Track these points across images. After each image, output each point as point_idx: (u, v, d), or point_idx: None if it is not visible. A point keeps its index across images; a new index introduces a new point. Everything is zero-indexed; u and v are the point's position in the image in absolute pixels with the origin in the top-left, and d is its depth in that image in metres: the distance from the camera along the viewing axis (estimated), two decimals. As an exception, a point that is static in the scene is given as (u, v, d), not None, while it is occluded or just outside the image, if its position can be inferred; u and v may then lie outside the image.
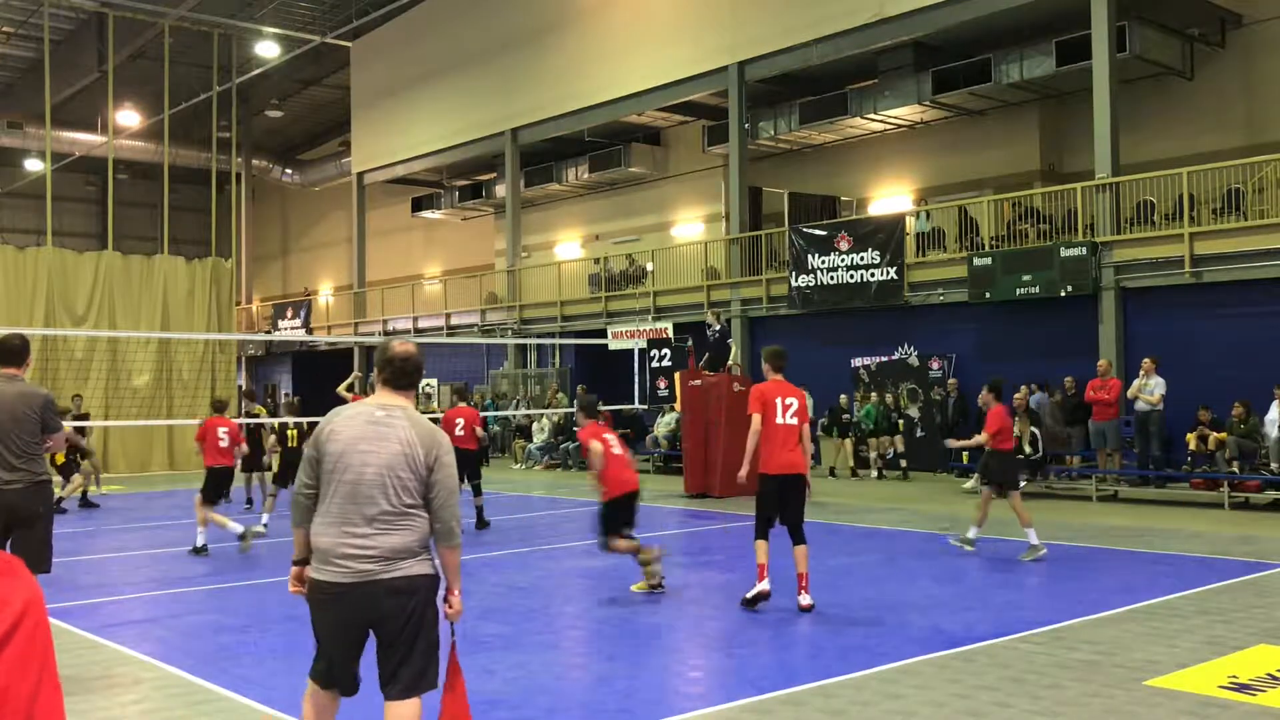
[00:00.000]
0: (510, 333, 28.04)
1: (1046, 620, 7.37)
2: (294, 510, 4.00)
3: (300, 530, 3.98)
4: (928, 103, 21.65)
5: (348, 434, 3.85)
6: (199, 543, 10.91)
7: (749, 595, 7.96)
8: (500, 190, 30.82)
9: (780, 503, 7.92)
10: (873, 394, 20.09)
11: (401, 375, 4.00)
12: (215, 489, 11.23)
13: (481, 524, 12.66)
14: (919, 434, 20.02)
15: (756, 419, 7.88)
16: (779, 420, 7.87)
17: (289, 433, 13.28)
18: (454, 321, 30.82)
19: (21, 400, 6.16)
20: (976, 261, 18.76)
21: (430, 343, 28.52)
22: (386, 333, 31.94)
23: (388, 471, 3.80)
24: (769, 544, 8.03)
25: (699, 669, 6.67)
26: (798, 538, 7.93)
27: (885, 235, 20.37)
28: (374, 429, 3.85)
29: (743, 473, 7.89)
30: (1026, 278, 18.02)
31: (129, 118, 36.22)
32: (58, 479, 12.05)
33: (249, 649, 6.98)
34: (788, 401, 7.94)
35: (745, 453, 7.92)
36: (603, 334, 24.84)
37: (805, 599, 7.82)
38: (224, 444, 11.28)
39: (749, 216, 23.79)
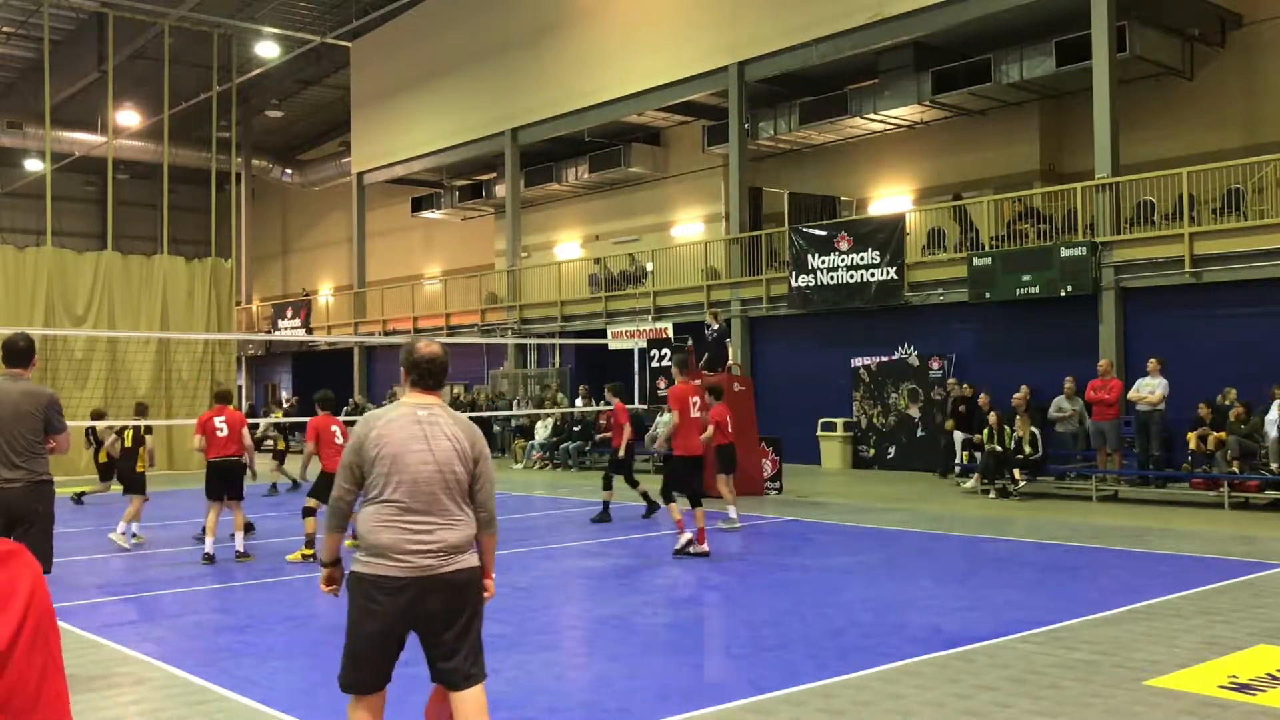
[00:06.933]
0: (510, 333, 28.04)
1: (1046, 620, 7.37)
2: (331, 515, 4.12)
3: (334, 535, 4.15)
4: (928, 103, 21.64)
5: (398, 436, 3.95)
6: (206, 549, 10.71)
7: None
8: (500, 190, 30.81)
9: None
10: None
11: (430, 376, 4.11)
12: (211, 483, 11.08)
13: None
14: (919, 434, 20.02)
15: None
16: None
17: (124, 434, 12.63)
18: (453, 322, 30.82)
19: (26, 399, 6.16)
20: (976, 261, 18.76)
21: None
22: (386, 332, 31.96)
23: (445, 469, 3.95)
24: None
25: (699, 669, 6.67)
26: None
27: (885, 235, 20.37)
28: (421, 429, 3.97)
29: None
30: (1026, 278, 18.02)
31: (129, 118, 36.22)
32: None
33: (249, 649, 6.97)
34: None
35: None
36: (603, 334, 24.83)
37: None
38: (222, 434, 11.11)
39: (749, 216, 23.79)
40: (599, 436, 21.97)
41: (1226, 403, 14.95)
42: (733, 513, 12.70)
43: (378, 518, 3.92)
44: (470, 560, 3.99)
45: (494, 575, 4.18)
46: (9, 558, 1.34)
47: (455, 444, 3.98)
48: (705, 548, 10.62)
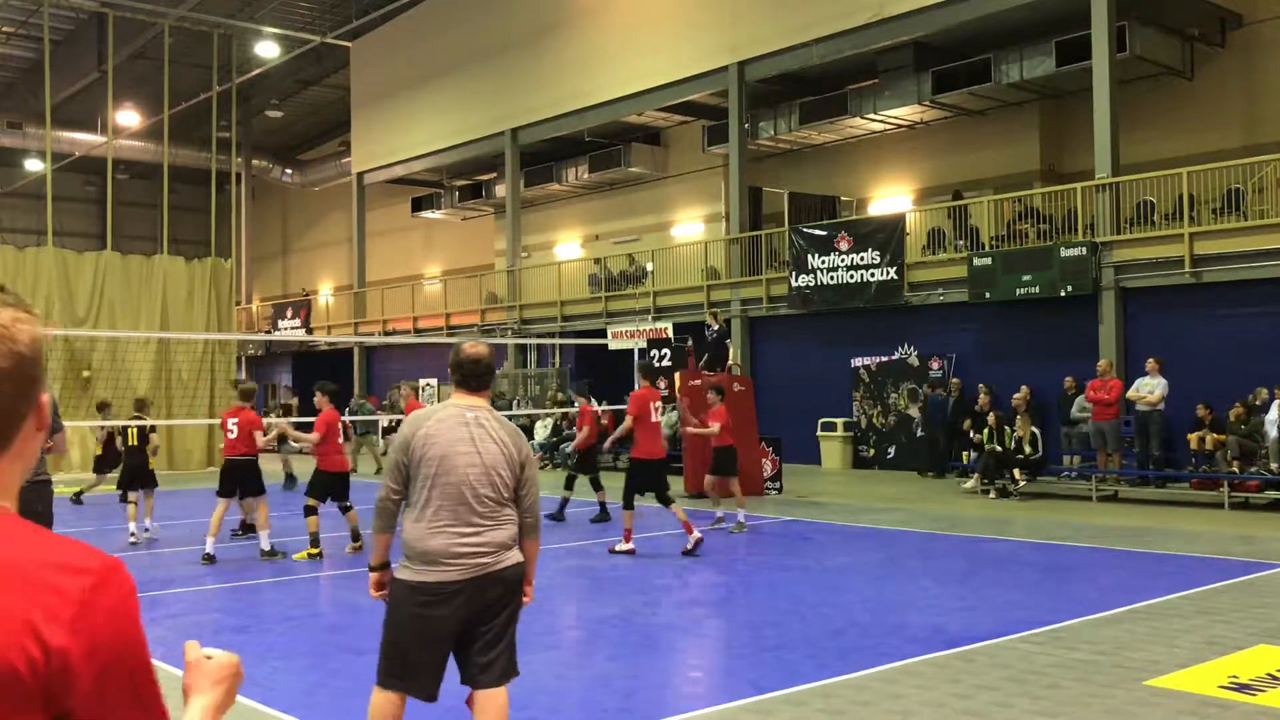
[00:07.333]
0: (510, 333, 28.04)
1: (1046, 620, 7.37)
2: (379, 516, 4.10)
3: (384, 536, 4.14)
4: (928, 103, 21.64)
5: (446, 437, 3.96)
6: (207, 549, 10.64)
7: None
8: (500, 190, 30.81)
9: None
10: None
11: (474, 377, 4.13)
12: (223, 481, 11.18)
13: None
14: (919, 434, 20.01)
15: None
16: None
17: (129, 432, 12.71)
18: (453, 322, 30.82)
19: None
20: (976, 261, 18.76)
21: (430, 343, 28.53)
22: (386, 333, 31.96)
23: (491, 471, 3.96)
24: None
25: (699, 669, 6.67)
26: None
27: (885, 235, 20.37)
28: (468, 430, 3.98)
29: None
30: (1026, 278, 18.02)
31: (129, 118, 36.21)
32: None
33: (249, 649, 6.97)
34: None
35: None
36: (603, 334, 24.83)
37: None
38: (232, 434, 11.12)
39: (749, 216, 23.79)
40: (566, 432, 22.00)
41: (1257, 402, 14.84)
42: (741, 515, 12.65)
43: (426, 523, 3.91)
44: (517, 556, 4.03)
45: (532, 581, 4.21)
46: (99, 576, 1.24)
47: (502, 448, 3.99)
48: (696, 534, 10.71)
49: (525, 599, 4.12)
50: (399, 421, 15.21)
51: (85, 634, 1.18)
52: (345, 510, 11.20)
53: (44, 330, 1.34)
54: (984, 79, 20.27)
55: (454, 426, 3.97)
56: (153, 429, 12.99)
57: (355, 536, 11.22)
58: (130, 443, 12.70)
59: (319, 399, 11.29)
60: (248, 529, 12.45)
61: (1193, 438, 15.11)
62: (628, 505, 11.00)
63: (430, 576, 3.86)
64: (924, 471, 19.12)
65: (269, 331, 37.03)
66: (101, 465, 15.13)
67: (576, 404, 14.61)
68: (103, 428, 14.92)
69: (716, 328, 18.56)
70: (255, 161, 40.44)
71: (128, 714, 1.22)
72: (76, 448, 22.84)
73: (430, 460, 3.92)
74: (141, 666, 1.25)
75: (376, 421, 23.29)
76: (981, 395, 17.44)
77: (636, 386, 11.89)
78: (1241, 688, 5.70)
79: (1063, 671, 6.06)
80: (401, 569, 3.96)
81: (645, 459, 11.12)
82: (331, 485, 11.01)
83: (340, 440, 11.22)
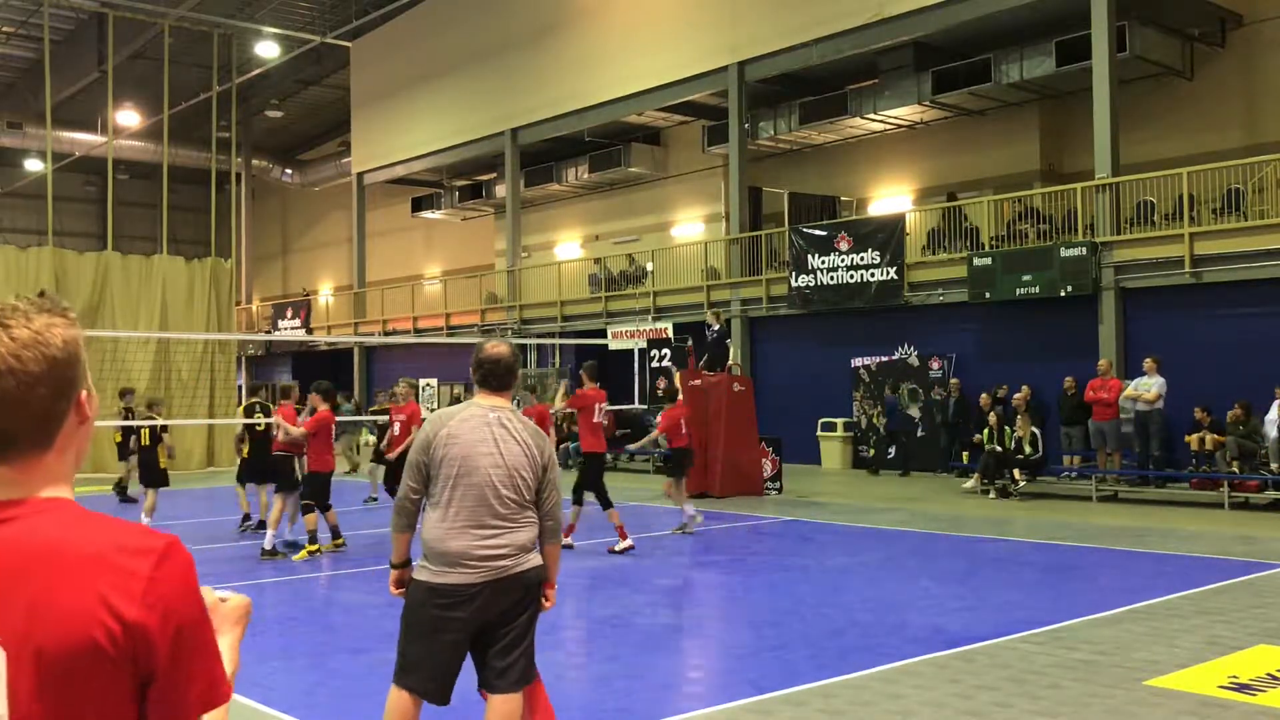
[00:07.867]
0: (510, 333, 28.03)
1: (1046, 620, 7.37)
2: (399, 515, 4.07)
3: (403, 535, 4.11)
4: (928, 103, 21.63)
5: (468, 437, 3.93)
6: (265, 545, 10.84)
7: None
8: (500, 190, 30.82)
9: None
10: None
11: (495, 376, 4.09)
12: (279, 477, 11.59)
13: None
14: (919, 434, 20.01)
15: None
16: None
17: (142, 432, 13.13)
18: (453, 322, 30.82)
19: None
20: (976, 261, 18.76)
21: (430, 343, 28.52)
22: (386, 333, 31.98)
23: (514, 472, 3.93)
24: None
25: (699, 669, 6.67)
26: None
27: (885, 235, 20.36)
28: (491, 431, 3.95)
29: None
30: (1026, 278, 18.02)
31: (129, 118, 36.21)
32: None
33: (249, 649, 6.95)
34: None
35: None
36: (603, 334, 24.82)
37: None
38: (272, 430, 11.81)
39: (749, 216, 23.79)
40: None
41: (1231, 418, 14.81)
42: (686, 514, 12.48)
43: (447, 524, 3.88)
44: (538, 559, 4.01)
45: (554, 585, 4.20)
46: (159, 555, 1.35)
47: (525, 449, 3.96)
48: (570, 540, 10.95)
49: (546, 603, 4.10)
50: (384, 426, 15.10)
51: (158, 606, 1.31)
52: (308, 510, 11.24)
53: (79, 331, 1.47)
54: (984, 79, 20.26)
55: (476, 427, 3.94)
56: (164, 429, 13.32)
57: (336, 534, 11.26)
58: (143, 442, 13.12)
59: (314, 399, 11.37)
60: (245, 520, 12.69)
61: (1192, 439, 15.11)
62: (606, 505, 11.04)
63: (450, 578, 3.83)
64: (874, 470, 19.75)
65: (269, 331, 37.03)
66: (123, 454, 15.48)
67: (525, 403, 13.95)
68: (124, 415, 15.11)
69: (717, 328, 18.56)
70: (255, 161, 40.45)
71: (198, 667, 1.36)
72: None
73: (452, 460, 3.89)
74: (205, 625, 1.39)
75: (359, 423, 23.27)
76: (984, 395, 17.42)
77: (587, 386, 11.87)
78: (1241, 688, 5.70)
79: (1063, 671, 6.06)
80: (420, 569, 3.93)
81: (592, 452, 11.44)
82: (320, 486, 11.05)
83: (331, 440, 11.34)
